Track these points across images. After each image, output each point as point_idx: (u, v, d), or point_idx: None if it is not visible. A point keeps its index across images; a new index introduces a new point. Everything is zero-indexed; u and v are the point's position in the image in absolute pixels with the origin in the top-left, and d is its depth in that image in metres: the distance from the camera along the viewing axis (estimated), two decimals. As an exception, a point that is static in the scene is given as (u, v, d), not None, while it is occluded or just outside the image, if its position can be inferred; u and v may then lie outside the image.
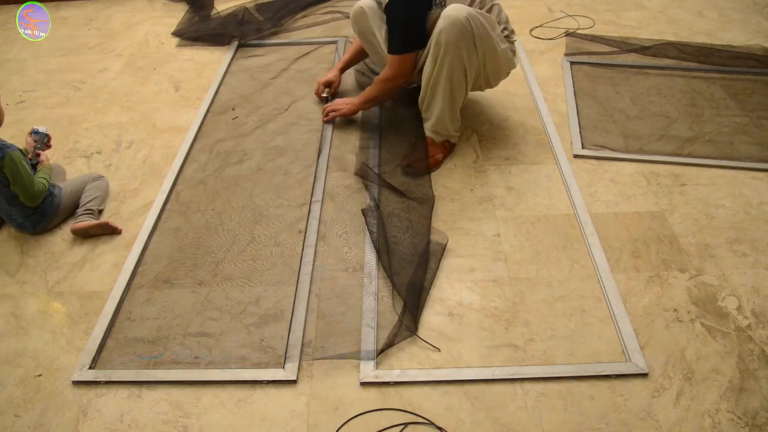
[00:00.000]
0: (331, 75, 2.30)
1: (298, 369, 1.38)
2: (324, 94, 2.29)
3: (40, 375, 1.41)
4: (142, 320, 1.53)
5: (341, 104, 2.15)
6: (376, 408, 1.30)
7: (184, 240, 1.76)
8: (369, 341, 1.42)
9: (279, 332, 1.47)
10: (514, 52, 1.95)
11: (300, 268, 1.64)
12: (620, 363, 1.36)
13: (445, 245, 1.67)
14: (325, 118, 2.19)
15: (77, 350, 1.46)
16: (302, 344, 1.44)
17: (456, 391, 1.33)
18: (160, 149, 2.15)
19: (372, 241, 1.69)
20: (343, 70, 2.34)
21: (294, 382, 1.36)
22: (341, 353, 1.41)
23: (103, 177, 1.95)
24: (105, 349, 1.46)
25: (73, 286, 1.63)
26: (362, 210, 1.80)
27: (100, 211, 1.86)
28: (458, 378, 1.34)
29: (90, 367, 1.41)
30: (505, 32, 1.91)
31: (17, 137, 1.79)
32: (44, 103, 2.46)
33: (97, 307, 1.57)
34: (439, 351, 1.41)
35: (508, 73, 2.02)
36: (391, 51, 1.90)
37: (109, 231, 1.78)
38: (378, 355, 1.40)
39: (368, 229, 1.73)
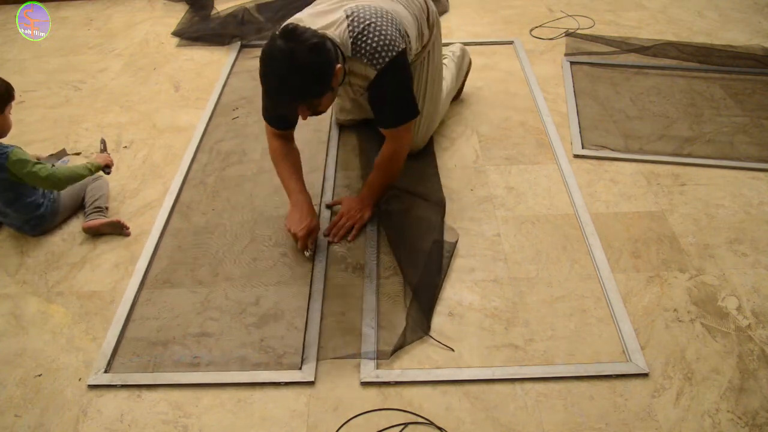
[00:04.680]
0: (308, 220, 1.63)
1: (316, 370, 1.37)
2: (307, 254, 1.65)
3: (40, 375, 1.41)
4: (142, 320, 1.52)
5: (353, 214, 1.73)
6: (377, 408, 1.30)
7: (184, 240, 1.76)
8: (370, 342, 1.42)
9: (279, 332, 1.47)
10: None
11: (313, 266, 1.63)
12: (620, 363, 1.36)
13: (456, 243, 1.66)
14: (336, 240, 1.71)
15: (77, 350, 1.46)
16: (318, 345, 1.43)
17: (456, 391, 1.33)
18: (160, 149, 2.15)
19: (373, 240, 1.70)
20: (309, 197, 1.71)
21: (312, 383, 1.35)
22: (353, 353, 1.40)
23: (101, 177, 1.94)
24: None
25: (73, 286, 1.63)
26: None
27: (106, 209, 1.86)
28: (458, 378, 1.34)
29: (105, 371, 1.40)
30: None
31: (16, 137, 1.79)
32: (44, 103, 2.46)
33: (98, 307, 1.56)
34: (453, 351, 1.41)
35: None
36: (395, 123, 1.65)
37: (119, 230, 1.78)
38: (391, 355, 1.39)
39: (377, 227, 1.73)
